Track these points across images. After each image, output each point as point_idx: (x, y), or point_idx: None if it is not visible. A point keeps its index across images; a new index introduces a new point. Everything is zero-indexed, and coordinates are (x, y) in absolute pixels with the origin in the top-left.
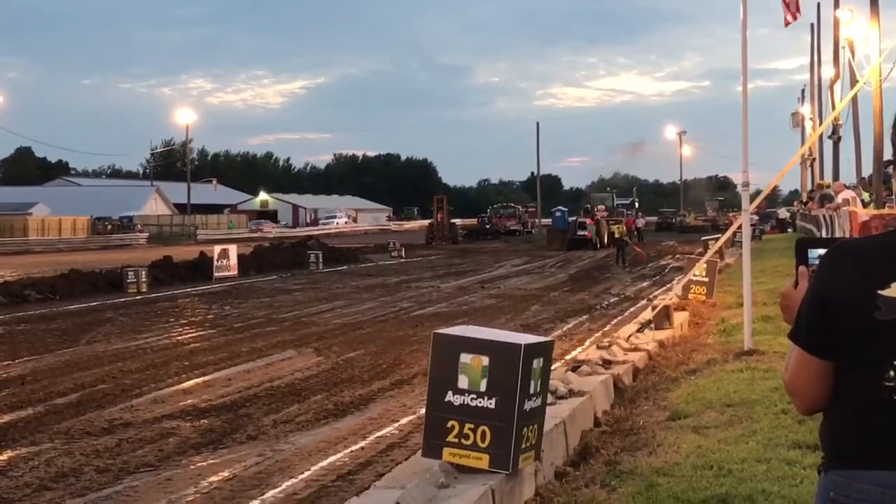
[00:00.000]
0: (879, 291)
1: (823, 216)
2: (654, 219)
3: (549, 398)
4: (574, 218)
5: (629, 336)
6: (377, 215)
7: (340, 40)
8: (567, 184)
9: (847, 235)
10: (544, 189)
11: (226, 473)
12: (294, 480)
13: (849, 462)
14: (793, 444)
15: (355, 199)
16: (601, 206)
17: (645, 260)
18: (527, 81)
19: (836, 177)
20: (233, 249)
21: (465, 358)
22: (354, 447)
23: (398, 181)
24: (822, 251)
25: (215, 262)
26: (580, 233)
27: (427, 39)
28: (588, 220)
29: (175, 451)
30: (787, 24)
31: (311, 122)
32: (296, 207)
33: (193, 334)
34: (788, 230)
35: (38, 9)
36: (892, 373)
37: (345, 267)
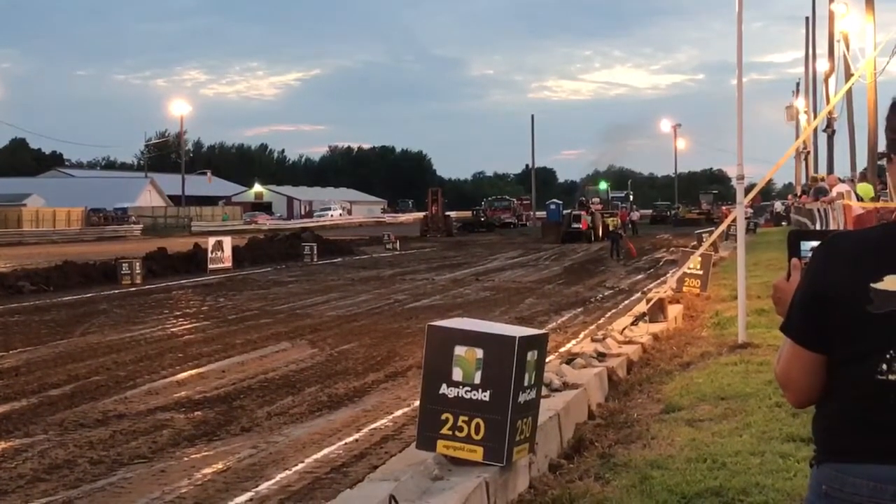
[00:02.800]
0: (872, 284)
1: (818, 210)
2: (649, 212)
3: (544, 391)
4: (568, 210)
5: (623, 329)
6: (372, 207)
7: (335, 32)
8: (562, 176)
9: (841, 229)
10: (539, 182)
11: (220, 465)
12: (288, 472)
13: (841, 456)
14: (787, 437)
15: (350, 192)
16: (595, 199)
17: (635, 255)
18: (521, 74)
19: (830, 170)
20: (227, 241)
21: (460, 350)
22: (348, 439)
23: (393, 173)
24: (814, 244)
25: (210, 254)
26: (574, 225)
27: (422, 31)
28: (584, 213)
29: (169, 442)
30: None
31: (306, 113)
32: (290, 199)
33: (188, 326)
34: (783, 224)
35: None
36: (884, 366)
37: (339, 259)
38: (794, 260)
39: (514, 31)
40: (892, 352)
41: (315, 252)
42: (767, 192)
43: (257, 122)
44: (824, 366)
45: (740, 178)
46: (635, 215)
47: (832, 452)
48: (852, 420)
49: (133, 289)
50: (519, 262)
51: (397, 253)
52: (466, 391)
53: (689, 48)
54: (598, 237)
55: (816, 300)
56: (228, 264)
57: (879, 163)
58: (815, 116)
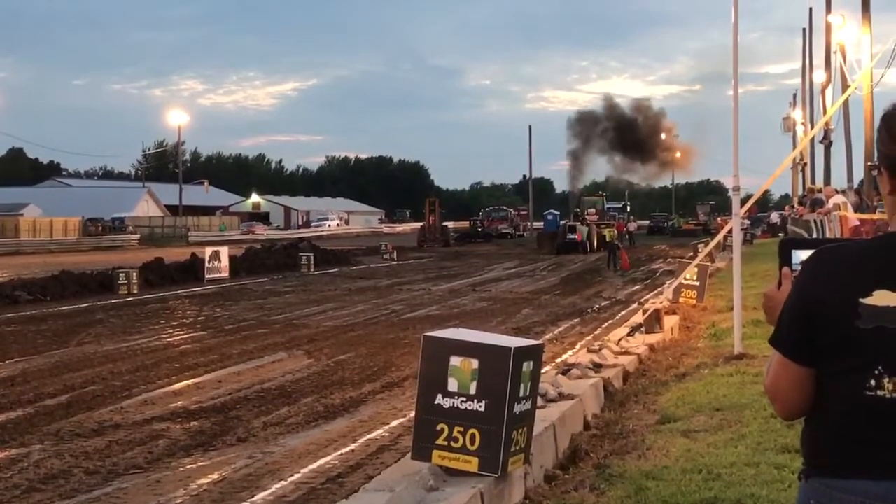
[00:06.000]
0: (861, 299)
1: (814, 221)
2: (646, 222)
3: (539, 401)
4: (564, 221)
5: (620, 340)
6: (369, 217)
7: (332, 42)
8: (559, 187)
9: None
10: (536, 192)
11: (215, 475)
12: (283, 483)
13: (829, 470)
14: (782, 448)
15: (347, 202)
16: (591, 210)
17: (628, 268)
18: (518, 84)
19: (827, 181)
20: (224, 251)
21: (455, 361)
22: (344, 450)
23: (390, 183)
24: (806, 253)
25: (206, 264)
26: (570, 236)
27: (418, 41)
28: (578, 224)
29: (165, 453)
30: None
31: (303, 123)
32: (288, 209)
33: (184, 336)
34: (780, 234)
35: (28, 8)
36: (873, 382)
37: (336, 269)
38: (785, 269)
39: (510, 42)
40: (880, 368)
41: (312, 262)
42: (764, 203)
43: (255, 131)
44: (813, 379)
45: (736, 188)
46: (632, 226)
47: (821, 467)
48: (841, 435)
49: (129, 298)
50: (516, 272)
51: (394, 263)
52: (462, 402)
53: (685, 58)
54: (593, 248)
55: (805, 314)
56: (225, 274)
57: (872, 173)
58: (812, 127)
